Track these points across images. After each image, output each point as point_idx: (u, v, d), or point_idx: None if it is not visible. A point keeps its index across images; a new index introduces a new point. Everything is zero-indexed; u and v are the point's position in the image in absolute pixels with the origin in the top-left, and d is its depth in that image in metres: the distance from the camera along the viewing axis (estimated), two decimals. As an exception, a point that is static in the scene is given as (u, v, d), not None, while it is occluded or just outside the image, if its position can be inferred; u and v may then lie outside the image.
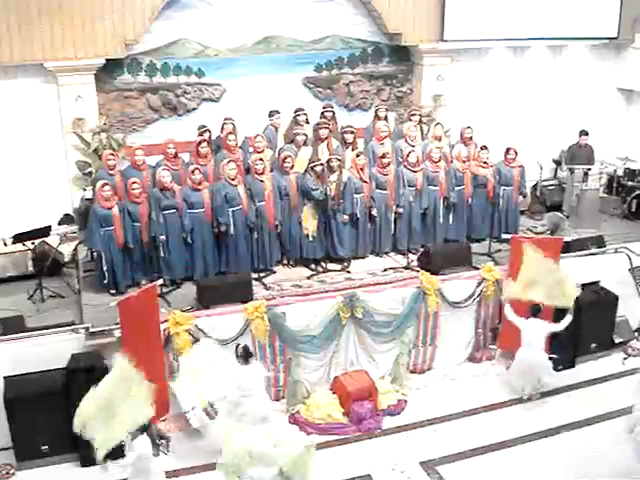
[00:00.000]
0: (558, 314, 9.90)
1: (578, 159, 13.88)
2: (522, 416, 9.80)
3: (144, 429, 7.47)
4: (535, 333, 9.73)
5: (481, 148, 12.09)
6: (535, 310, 9.71)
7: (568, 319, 9.73)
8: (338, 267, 11.23)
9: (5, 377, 8.92)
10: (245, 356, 8.58)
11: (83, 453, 8.87)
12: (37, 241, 10.93)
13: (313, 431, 9.46)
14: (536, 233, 12.52)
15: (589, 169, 13.60)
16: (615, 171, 14.27)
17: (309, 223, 11.07)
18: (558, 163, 14.91)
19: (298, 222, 11.08)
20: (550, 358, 10.01)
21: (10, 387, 8.85)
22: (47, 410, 8.80)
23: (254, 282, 10.40)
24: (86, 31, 11.92)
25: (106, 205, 10.16)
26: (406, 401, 10.24)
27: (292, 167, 11.01)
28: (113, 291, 10.30)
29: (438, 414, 9.96)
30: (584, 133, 14.00)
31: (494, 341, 11.02)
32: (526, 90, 14.95)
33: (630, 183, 14.10)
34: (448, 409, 10.05)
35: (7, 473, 8.89)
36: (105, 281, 10.31)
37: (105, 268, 10.26)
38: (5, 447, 9.08)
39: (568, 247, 11.35)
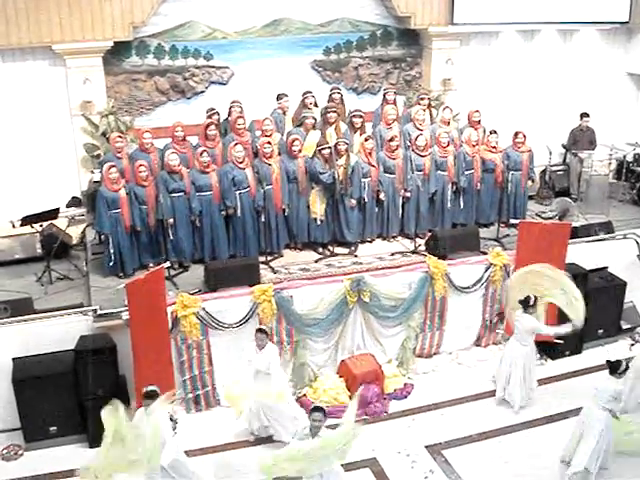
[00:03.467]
0: (563, 317, 9.69)
1: (580, 143, 13.86)
2: (528, 400, 9.80)
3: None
4: (523, 328, 9.51)
5: (490, 132, 12.04)
6: (524, 304, 9.46)
7: (566, 329, 9.36)
8: (346, 251, 11.22)
9: (14, 358, 9.00)
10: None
11: (91, 434, 8.94)
12: (45, 223, 10.95)
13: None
14: (544, 218, 12.47)
15: (591, 153, 13.55)
16: (625, 157, 14.21)
17: (317, 207, 11.06)
18: (567, 148, 14.83)
19: (306, 206, 11.07)
20: (555, 344, 9.98)
21: (19, 368, 8.93)
22: (55, 391, 8.89)
23: (262, 265, 10.41)
24: (94, 13, 11.88)
25: (113, 188, 10.16)
26: (412, 385, 10.29)
27: (300, 150, 10.97)
28: (120, 274, 10.33)
29: (444, 398, 10.02)
30: (585, 115, 13.95)
31: (501, 326, 11.01)
32: (536, 75, 14.85)
33: (639, 169, 14.03)
34: (454, 393, 10.10)
35: (16, 454, 8.99)
36: (112, 264, 10.33)
37: (112, 251, 10.29)
38: (14, 428, 9.17)
39: (576, 232, 11.34)
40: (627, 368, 8.23)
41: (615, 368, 8.17)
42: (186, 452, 8.19)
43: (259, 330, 8.83)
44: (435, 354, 10.96)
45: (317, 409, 7.36)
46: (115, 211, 10.17)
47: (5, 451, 9.01)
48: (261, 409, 8.93)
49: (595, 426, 8.16)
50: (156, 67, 12.88)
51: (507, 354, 9.75)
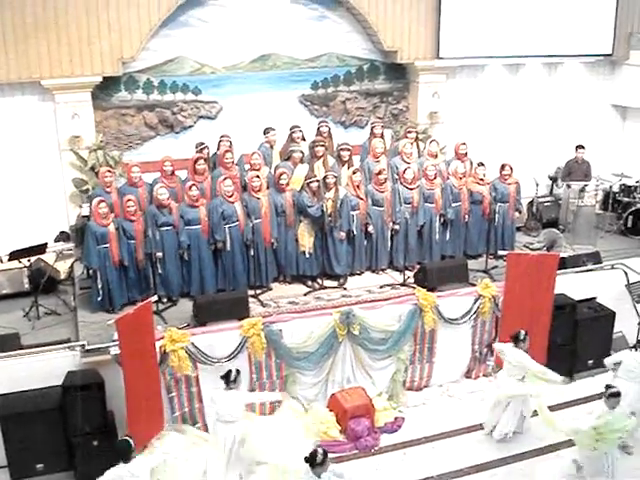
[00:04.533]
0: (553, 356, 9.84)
1: (575, 175, 13.96)
2: (520, 433, 9.76)
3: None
4: (513, 362, 9.38)
5: (478, 165, 12.13)
6: (514, 339, 9.39)
7: (555, 378, 9.27)
8: (335, 284, 11.22)
9: (0, 395, 8.88)
10: (235, 381, 8.61)
11: (79, 471, 8.84)
12: (33, 258, 10.91)
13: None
14: (532, 249, 12.51)
15: (586, 185, 13.65)
16: (611, 187, 14.33)
17: (305, 240, 11.07)
18: (554, 179, 14.95)
19: (294, 239, 11.08)
20: None
21: (5, 405, 8.82)
22: (43, 428, 8.78)
23: (251, 299, 10.38)
24: (83, 49, 11.98)
25: (102, 222, 10.15)
26: (403, 418, 10.22)
27: (287, 184, 11.02)
28: (109, 308, 10.28)
29: (436, 431, 9.94)
30: (580, 147, 14.08)
31: (490, 357, 10.99)
32: (522, 107, 15.03)
33: (626, 199, 14.15)
34: (446, 426, 10.03)
35: (2, 492, 8.86)
36: (100, 299, 10.28)
37: (100, 286, 10.24)
38: (0, 466, 9.02)
39: (565, 263, 11.37)
40: (618, 394, 8.28)
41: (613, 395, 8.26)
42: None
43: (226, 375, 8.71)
44: (425, 387, 10.90)
45: (315, 454, 7.40)
46: (104, 246, 10.15)
47: (-9, 490, 8.89)
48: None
49: None
50: (145, 102, 12.95)
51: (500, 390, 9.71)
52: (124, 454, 7.41)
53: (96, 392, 8.89)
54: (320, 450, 7.46)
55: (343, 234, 11.14)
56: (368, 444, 9.60)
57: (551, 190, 14.99)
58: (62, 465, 8.99)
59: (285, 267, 11.20)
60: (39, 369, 9.04)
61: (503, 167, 12.24)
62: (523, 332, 9.35)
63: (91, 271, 10.43)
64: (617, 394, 8.28)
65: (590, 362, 11.18)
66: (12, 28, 11.56)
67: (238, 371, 8.73)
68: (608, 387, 8.41)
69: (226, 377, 8.63)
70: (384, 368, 10.45)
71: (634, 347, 11.46)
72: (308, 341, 9.88)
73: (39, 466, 8.92)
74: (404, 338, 10.40)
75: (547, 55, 14.70)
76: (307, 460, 7.38)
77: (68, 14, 11.78)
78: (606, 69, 15.67)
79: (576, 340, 10.97)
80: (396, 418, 10.16)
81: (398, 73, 14.44)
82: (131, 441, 7.52)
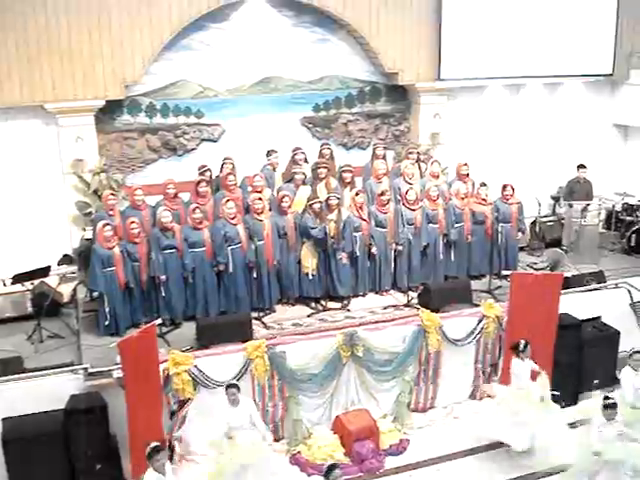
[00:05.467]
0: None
1: (577, 194, 13.96)
2: (527, 454, 9.67)
3: None
4: (519, 372, 9.46)
5: (480, 185, 12.14)
6: (515, 349, 9.46)
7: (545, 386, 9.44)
8: (338, 305, 11.20)
9: (3, 419, 8.86)
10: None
11: (82, 496, 8.80)
12: (36, 281, 10.91)
13: (314, 472, 9.35)
14: (536, 269, 12.49)
15: (588, 204, 13.65)
16: (613, 206, 14.33)
17: (308, 262, 11.07)
18: (556, 199, 14.96)
19: (296, 261, 11.08)
20: (552, 395, 9.91)
21: (8, 429, 8.79)
22: (45, 452, 8.74)
23: (254, 321, 10.36)
24: (86, 72, 12.04)
25: (107, 245, 10.16)
26: (408, 440, 10.16)
27: (290, 206, 11.05)
28: (114, 332, 10.25)
29: (441, 453, 9.89)
30: (582, 166, 14.10)
31: (495, 377, 10.93)
32: (523, 127, 15.06)
33: (629, 218, 14.14)
34: (451, 448, 9.97)
35: (5, 518, 8.80)
36: (107, 323, 10.26)
37: (107, 310, 10.23)
38: (2, 490, 8.99)
39: (568, 283, 11.36)
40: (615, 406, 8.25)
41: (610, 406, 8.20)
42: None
43: (230, 386, 8.62)
44: (430, 408, 10.85)
45: (334, 466, 7.34)
46: (110, 269, 10.15)
47: (-7, 515, 8.83)
48: (242, 471, 8.65)
49: None
50: (148, 125, 12.99)
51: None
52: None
53: (99, 415, 8.86)
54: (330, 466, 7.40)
55: (346, 255, 11.13)
56: (373, 467, 9.54)
57: (554, 210, 14.99)
58: (65, 490, 8.95)
59: (288, 289, 11.18)
60: (42, 392, 9.02)
61: (505, 187, 12.25)
62: (523, 342, 9.37)
63: (95, 294, 10.41)
64: (614, 405, 8.21)
65: (595, 382, 11.12)
66: (16, 52, 11.63)
67: (235, 385, 8.67)
68: (606, 398, 8.33)
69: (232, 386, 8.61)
70: (389, 390, 10.41)
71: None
72: (312, 363, 9.86)
73: (42, 490, 8.88)
74: (408, 359, 10.37)
75: (547, 75, 14.74)
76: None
77: (71, 38, 11.85)
78: (607, 88, 15.72)
79: (581, 360, 10.92)
80: (401, 440, 10.10)
81: (399, 95, 14.49)
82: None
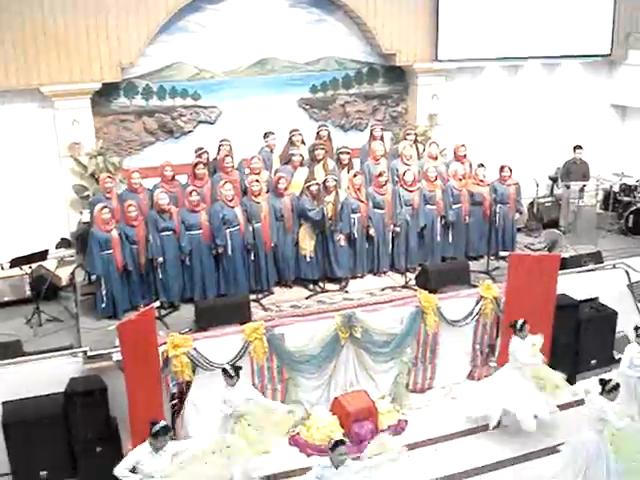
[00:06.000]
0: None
1: (573, 175, 13.97)
2: (524, 434, 9.73)
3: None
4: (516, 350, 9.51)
5: (478, 166, 12.13)
6: (513, 327, 9.52)
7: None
8: (336, 287, 11.21)
9: (3, 402, 8.90)
10: (237, 374, 8.55)
11: (83, 478, 8.84)
12: (34, 265, 10.91)
13: (314, 452, 9.41)
14: (534, 250, 12.51)
15: (585, 185, 13.64)
16: (611, 187, 14.33)
17: (306, 244, 11.07)
18: (554, 180, 14.96)
19: (294, 243, 11.08)
20: None
21: (8, 412, 8.83)
22: (46, 435, 8.79)
23: (252, 303, 10.38)
24: (82, 55, 11.98)
25: (105, 228, 10.15)
26: (406, 421, 10.22)
27: (286, 189, 11.02)
28: (111, 315, 10.26)
29: (439, 433, 9.94)
30: (578, 147, 14.10)
31: (492, 358, 10.98)
32: (521, 107, 15.03)
33: (626, 199, 14.14)
34: (449, 428, 10.03)
35: (6, 500, 8.86)
36: (104, 305, 10.27)
37: (104, 292, 10.24)
38: (4, 473, 9.02)
39: (566, 264, 11.37)
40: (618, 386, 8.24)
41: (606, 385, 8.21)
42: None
43: (224, 370, 8.61)
44: (428, 389, 10.91)
45: (341, 442, 7.34)
46: (107, 252, 10.13)
47: (-6, 497, 8.89)
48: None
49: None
50: (144, 108, 12.95)
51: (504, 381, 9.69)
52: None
53: (99, 398, 8.90)
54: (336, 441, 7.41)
55: (343, 237, 11.13)
56: (372, 447, 9.59)
57: (551, 191, 15.00)
58: (66, 472, 9.00)
59: (286, 271, 11.19)
60: (41, 376, 9.05)
61: (502, 168, 12.24)
62: (520, 321, 9.42)
63: (94, 277, 10.42)
64: (617, 386, 8.22)
65: (593, 362, 11.18)
66: (11, 35, 11.56)
67: (235, 366, 8.68)
68: (603, 381, 8.30)
69: (234, 372, 8.56)
70: (387, 371, 10.45)
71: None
72: (310, 344, 9.89)
73: (43, 473, 8.94)
74: (406, 340, 10.41)
75: (545, 56, 14.68)
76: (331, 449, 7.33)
77: (67, 21, 11.78)
78: (604, 69, 15.67)
79: (578, 340, 10.97)
80: (399, 420, 10.15)
81: (397, 76, 14.44)
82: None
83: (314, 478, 7.31)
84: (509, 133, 14.82)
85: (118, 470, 7.43)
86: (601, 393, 8.22)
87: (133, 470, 7.48)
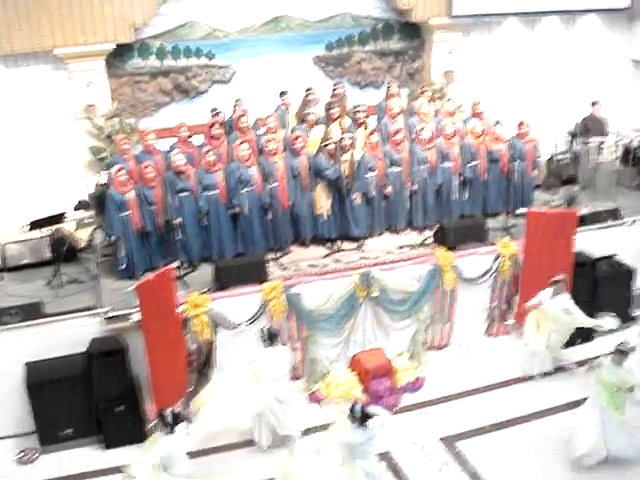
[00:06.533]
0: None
1: (592, 131, 13.78)
2: (540, 390, 9.81)
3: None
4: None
5: (495, 123, 12.02)
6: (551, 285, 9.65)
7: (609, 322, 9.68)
8: (353, 246, 11.22)
9: (26, 363, 9.04)
10: (270, 338, 8.68)
11: (107, 435, 9.00)
12: (53, 227, 10.96)
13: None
14: (551, 207, 12.43)
15: (603, 141, 13.49)
16: (630, 142, 14.12)
17: (323, 202, 11.06)
18: (573, 135, 14.78)
19: (310, 202, 11.07)
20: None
21: (32, 373, 8.98)
22: (69, 394, 8.96)
23: (270, 262, 10.42)
24: (95, 16, 11.89)
25: (122, 190, 10.19)
26: (424, 378, 10.30)
27: (303, 147, 10.97)
28: (130, 275, 10.34)
29: (456, 390, 10.02)
30: (596, 103, 13.91)
31: (510, 315, 11.00)
32: (538, 63, 14.82)
33: (646, 154, 13.98)
34: (466, 385, 10.11)
35: (31, 457, 9.02)
36: (123, 266, 10.35)
37: (123, 254, 10.31)
38: (29, 432, 9.20)
39: (584, 220, 11.30)
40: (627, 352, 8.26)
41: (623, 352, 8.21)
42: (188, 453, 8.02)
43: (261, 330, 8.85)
44: (445, 346, 10.97)
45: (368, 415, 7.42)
46: (125, 213, 10.19)
47: (21, 455, 9.05)
48: (268, 408, 8.77)
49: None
50: (158, 68, 12.89)
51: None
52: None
53: (120, 358, 9.03)
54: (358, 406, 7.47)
55: (360, 195, 11.11)
56: (390, 404, 9.66)
57: (570, 147, 14.83)
58: (89, 430, 9.17)
59: (303, 230, 11.21)
60: (63, 337, 9.19)
61: (521, 124, 12.10)
62: (561, 276, 9.58)
63: (113, 239, 10.49)
64: (627, 352, 8.22)
65: (610, 319, 11.17)
66: (24, -2, 11.52)
67: (272, 330, 8.82)
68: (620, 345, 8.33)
69: (268, 336, 8.75)
70: (404, 329, 10.51)
71: None
72: (328, 303, 9.94)
73: (67, 431, 9.12)
74: (424, 298, 10.44)
75: (563, 10, 14.45)
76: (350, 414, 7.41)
77: (79, -18, 11.71)
78: (624, 23, 15.37)
79: (595, 297, 10.94)
80: (417, 378, 10.24)
81: (413, 32, 14.26)
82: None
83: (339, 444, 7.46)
84: (526, 89, 14.63)
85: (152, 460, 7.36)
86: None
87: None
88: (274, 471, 7.75)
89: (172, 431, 7.37)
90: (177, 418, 7.43)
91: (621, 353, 8.20)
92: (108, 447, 9.04)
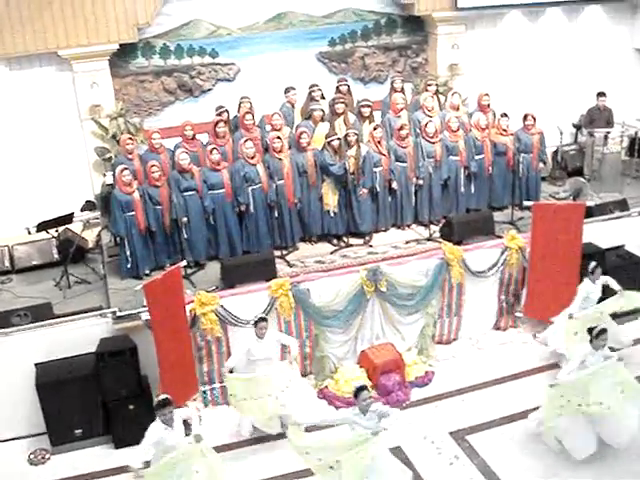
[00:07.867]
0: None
1: (597, 122, 13.74)
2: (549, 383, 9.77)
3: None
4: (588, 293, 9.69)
5: (501, 115, 11.98)
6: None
7: None
8: (360, 241, 11.22)
9: (36, 364, 9.06)
10: (255, 324, 8.82)
11: (116, 435, 9.02)
12: (61, 228, 11.01)
13: (342, 405, 9.46)
14: (558, 199, 12.41)
15: (609, 132, 13.44)
16: (636, 133, 14.05)
17: (329, 199, 11.06)
18: (578, 127, 14.75)
19: (317, 198, 11.07)
20: None
21: (42, 373, 8.99)
22: (79, 394, 8.95)
23: (277, 260, 10.43)
24: (98, 17, 11.93)
25: (127, 190, 10.20)
26: (433, 372, 10.28)
27: (309, 143, 10.95)
28: (134, 275, 10.37)
29: (466, 384, 9.99)
30: (601, 94, 13.85)
31: (518, 307, 10.98)
32: (543, 55, 14.78)
33: (652, 144, 13.92)
34: (476, 378, 10.07)
35: (43, 458, 9.05)
36: (128, 266, 10.38)
37: (128, 253, 10.33)
38: (39, 432, 9.23)
39: (591, 212, 11.26)
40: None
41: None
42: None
43: (261, 319, 8.83)
44: (454, 340, 10.94)
45: (363, 388, 7.42)
46: (129, 214, 10.21)
47: (32, 456, 9.08)
48: (276, 400, 8.76)
49: None
50: (162, 67, 12.92)
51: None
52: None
53: (129, 357, 9.03)
54: (358, 388, 7.48)
55: (366, 191, 11.10)
56: (399, 399, 9.67)
57: (575, 138, 14.79)
58: (100, 430, 9.17)
59: (310, 227, 11.21)
60: (72, 337, 9.21)
61: (526, 117, 12.06)
62: (593, 264, 9.66)
63: (118, 238, 10.51)
64: (604, 331, 8.26)
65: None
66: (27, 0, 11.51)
67: (264, 319, 8.87)
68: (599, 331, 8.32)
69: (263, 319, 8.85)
70: (413, 323, 10.49)
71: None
72: (336, 299, 9.93)
73: (77, 431, 9.11)
74: (432, 293, 10.42)
75: (567, 1, 14.40)
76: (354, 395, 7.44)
77: (81, -18, 11.72)
78: (627, 13, 15.30)
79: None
80: (426, 372, 10.22)
81: (416, 26, 14.24)
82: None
83: (343, 419, 7.53)
84: (531, 81, 14.59)
85: (141, 450, 7.38)
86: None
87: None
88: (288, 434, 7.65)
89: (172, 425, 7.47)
90: (161, 406, 7.44)
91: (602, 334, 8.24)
92: (118, 447, 9.06)
